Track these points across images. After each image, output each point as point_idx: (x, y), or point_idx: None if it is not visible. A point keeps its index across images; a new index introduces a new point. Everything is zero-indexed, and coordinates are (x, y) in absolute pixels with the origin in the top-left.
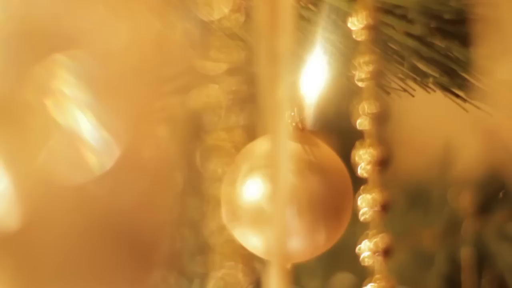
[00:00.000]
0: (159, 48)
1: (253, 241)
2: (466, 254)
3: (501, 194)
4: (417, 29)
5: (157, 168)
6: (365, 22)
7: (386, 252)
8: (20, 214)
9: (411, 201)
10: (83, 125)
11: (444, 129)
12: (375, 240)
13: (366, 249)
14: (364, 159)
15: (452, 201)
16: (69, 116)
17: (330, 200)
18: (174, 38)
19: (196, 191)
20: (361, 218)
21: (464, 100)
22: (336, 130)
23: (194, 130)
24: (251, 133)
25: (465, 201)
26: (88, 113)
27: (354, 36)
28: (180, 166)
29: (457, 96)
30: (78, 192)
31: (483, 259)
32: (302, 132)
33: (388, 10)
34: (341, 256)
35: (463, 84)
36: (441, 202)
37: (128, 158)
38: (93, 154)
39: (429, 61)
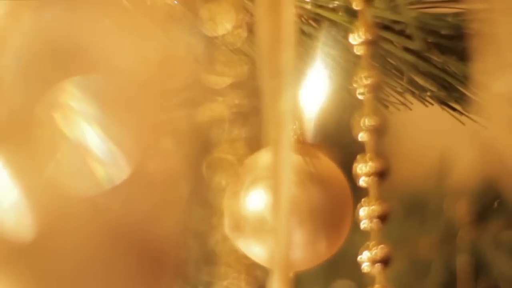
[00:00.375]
0: (166, 63)
1: (256, 250)
2: (462, 262)
3: (496, 204)
4: (415, 44)
5: (165, 180)
6: (364, 38)
7: (385, 262)
8: (34, 225)
9: (408, 210)
10: (94, 140)
11: (440, 141)
12: (375, 251)
13: (366, 259)
14: (364, 172)
15: (448, 211)
16: (80, 131)
17: (330, 211)
18: (180, 53)
19: (202, 202)
20: (362, 227)
21: (461, 113)
22: (337, 142)
23: (200, 143)
24: (254, 145)
25: (461, 211)
26: (99, 128)
27: (354, 51)
28: (186, 178)
29: (454, 109)
30: (90, 204)
31: (479, 268)
32: (303, 145)
33: (387, 26)
34: (341, 264)
35: (460, 98)
36: (438, 211)
37: (138, 171)
38: (104, 168)
39: (426, 75)
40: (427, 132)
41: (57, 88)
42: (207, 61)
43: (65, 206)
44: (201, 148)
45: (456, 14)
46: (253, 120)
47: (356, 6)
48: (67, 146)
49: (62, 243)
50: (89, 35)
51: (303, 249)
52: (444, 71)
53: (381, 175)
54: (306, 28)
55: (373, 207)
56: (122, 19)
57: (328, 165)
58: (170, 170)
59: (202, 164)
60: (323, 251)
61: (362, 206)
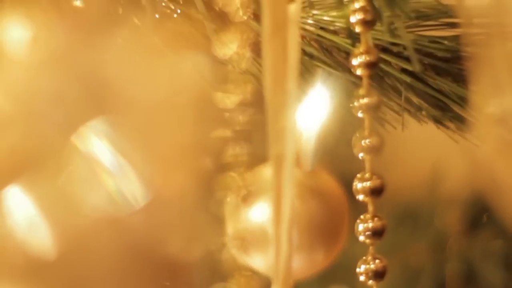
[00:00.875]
0: (183, 88)
1: (258, 260)
2: (452, 271)
3: (484, 217)
4: (412, 66)
5: (179, 200)
6: (365, 59)
7: (381, 275)
8: (59, 244)
9: (401, 220)
10: (116, 166)
11: (434, 155)
12: (372, 264)
13: (363, 272)
14: (362, 189)
15: (439, 221)
16: (103, 156)
17: (327, 222)
18: (194, 78)
19: (213, 218)
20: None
21: (454, 131)
22: (337, 157)
23: (210, 161)
24: (258, 160)
25: (452, 221)
26: (121, 153)
27: (354, 72)
28: (199, 197)
29: (447, 127)
30: (114, 225)
31: (468, 276)
32: (303, 160)
33: (385, 48)
34: (337, 270)
35: (454, 117)
36: (429, 221)
37: (156, 194)
38: (125, 190)
39: (422, 95)
40: (422, 147)
41: (87, 118)
42: (216, 81)
43: (87, 226)
44: (211, 165)
45: (452, 38)
46: (259, 136)
47: (357, 29)
48: (92, 171)
49: (88, 260)
50: (119, 69)
51: (302, 259)
52: (439, 91)
53: (378, 192)
54: (309, 49)
55: (370, 223)
56: (151, 53)
57: (326, 180)
58: (184, 190)
59: (212, 182)
60: (320, 260)
61: (360, 222)
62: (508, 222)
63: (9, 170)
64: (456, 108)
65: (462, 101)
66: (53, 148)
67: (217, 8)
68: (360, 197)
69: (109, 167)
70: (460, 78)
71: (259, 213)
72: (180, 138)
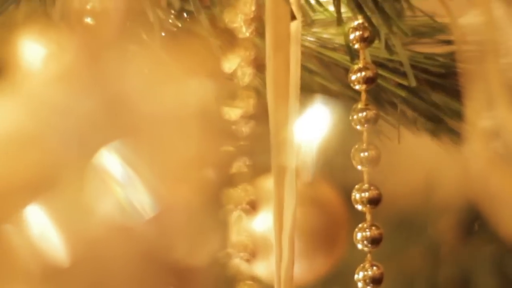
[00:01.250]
0: (198, 104)
1: (261, 268)
2: (445, 276)
3: (476, 226)
4: (408, 81)
5: (190, 210)
6: (363, 75)
7: (379, 281)
8: (72, 252)
9: (396, 226)
10: (131, 178)
11: (428, 165)
12: (369, 271)
13: (361, 279)
14: (361, 200)
15: (433, 228)
16: (119, 170)
17: (326, 230)
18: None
19: (221, 228)
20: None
21: (448, 143)
22: (336, 168)
23: (219, 173)
24: (262, 172)
25: (445, 228)
26: (137, 166)
27: (353, 86)
28: (208, 207)
29: (441, 139)
30: (127, 233)
31: (462, 282)
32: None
33: (382, 64)
34: (336, 276)
35: (448, 130)
36: (423, 228)
37: (167, 206)
38: (139, 202)
39: (417, 108)
40: (416, 158)
41: (97, 132)
42: (221, 95)
43: (101, 235)
44: (218, 177)
45: (446, 54)
46: (260, 149)
47: (355, 46)
48: (105, 184)
49: (101, 267)
50: (123, 81)
51: (302, 265)
52: (434, 105)
53: (375, 202)
54: (309, 65)
55: (368, 232)
56: (159, 68)
57: (326, 191)
58: (192, 201)
59: (219, 193)
60: (320, 266)
61: (358, 231)
62: (499, 229)
63: (27, 185)
64: (450, 121)
65: (456, 114)
66: (68, 164)
67: (222, 25)
68: (359, 207)
69: (121, 179)
70: (454, 93)
71: (262, 223)
72: (188, 151)
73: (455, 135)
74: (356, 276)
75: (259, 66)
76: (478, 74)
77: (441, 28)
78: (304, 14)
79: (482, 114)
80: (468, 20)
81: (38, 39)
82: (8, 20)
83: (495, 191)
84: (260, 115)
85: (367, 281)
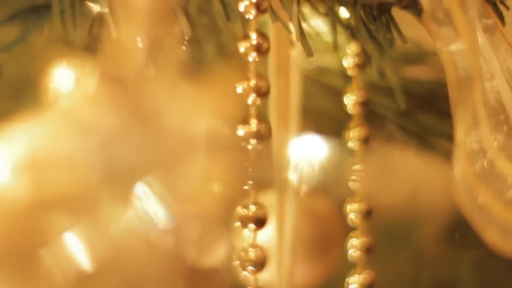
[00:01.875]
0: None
1: (264, 277)
2: (429, 280)
3: (457, 237)
4: (398, 103)
5: (207, 220)
6: (357, 99)
7: (370, 286)
8: (94, 259)
9: (385, 236)
10: (152, 193)
11: (416, 179)
12: (360, 276)
13: (353, 283)
14: (353, 211)
15: (419, 235)
16: (143, 185)
17: (322, 239)
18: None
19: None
20: (349, 257)
21: (434, 159)
22: (332, 182)
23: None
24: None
25: (430, 236)
26: (156, 182)
27: (347, 110)
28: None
29: (428, 155)
30: (146, 243)
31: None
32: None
33: (375, 88)
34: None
35: (434, 147)
36: (409, 236)
37: (187, 216)
38: (159, 213)
39: (405, 128)
40: (404, 171)
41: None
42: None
43: (127, 244)
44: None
45: (434, 80)
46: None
47: (350, 72)
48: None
49: (121, 274)
50: (153, 108)
51: (301, 272)
52: (421, 125)
53: (367, 214)
54: (307, 89)
55: (360, 240)
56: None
57: (321, 203)
58: (211, 212)
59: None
60: (317, 272)
61: (350, 238)
62: (484, 239)
63: (62, 200)
64: (437, 140)
65: (443, 134)
66: (97, 182)
67: (229, 52)
68: (351, 217)
69: (143, 195)
70: (441, 114)
71: (264, 235)
72: (201, 169)
73: (442, 153)
74: (347, 279)
75: (263, 89)
76: (464, 97)
77: (429, 55)
78: (304, 43)
79: (467, 134)
80: (454, 48)
81: (65, 64)
82: (32, 46)
83: (479, 205)
84: (264, 135)
85: (360, 285)
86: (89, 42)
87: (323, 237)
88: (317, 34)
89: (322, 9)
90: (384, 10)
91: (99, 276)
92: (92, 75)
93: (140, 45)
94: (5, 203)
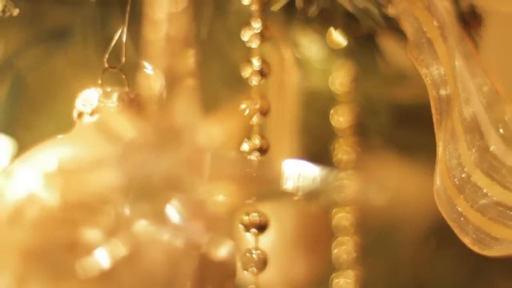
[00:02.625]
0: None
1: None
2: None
3: (433, 241)
4: (386, 124)
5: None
6: (348, 122)
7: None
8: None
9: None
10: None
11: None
12: (347, 275)
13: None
14: (341, 216)
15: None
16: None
17: (315, 239)
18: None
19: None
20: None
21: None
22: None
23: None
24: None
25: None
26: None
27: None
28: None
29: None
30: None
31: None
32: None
33: (367, 110)
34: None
35: (417, 160)
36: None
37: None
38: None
39: (391, 143)
40: (390, 181)
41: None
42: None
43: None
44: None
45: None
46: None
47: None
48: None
49: (139, 271)
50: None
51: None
52: (405, 140)
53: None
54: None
55: (347, 242)
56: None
57: (313, 209)
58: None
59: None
60: (310, 271)
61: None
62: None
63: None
64: (420, 153)
65: (424, 148)
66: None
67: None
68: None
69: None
70: (423, 131)
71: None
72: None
73: (423, 164)
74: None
75: (265, 109)
76: (444, 116)
77: (412, 78)
78: (299, 68)
79: (447, 150)
80: (435, 72)
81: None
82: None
83: (458, 213)
84: (265, 149)
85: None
86: (110, 64)
87: (315, 238)
88: (311, 60)
89: (316, 37)
90: (372, 38)
91: (119, 274)
92: (113, 95)
93: (157, 71)
94: (37, 209)
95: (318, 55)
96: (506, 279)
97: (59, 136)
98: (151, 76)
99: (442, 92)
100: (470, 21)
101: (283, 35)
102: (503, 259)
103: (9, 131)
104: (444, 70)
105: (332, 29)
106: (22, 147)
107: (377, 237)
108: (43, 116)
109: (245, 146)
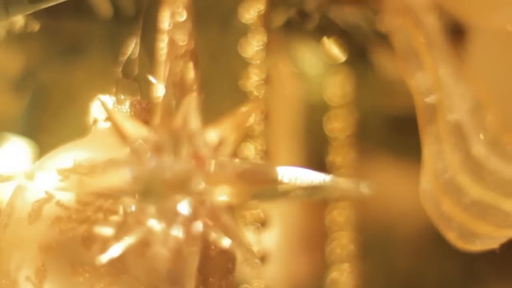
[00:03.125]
0: None
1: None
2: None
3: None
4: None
5: None
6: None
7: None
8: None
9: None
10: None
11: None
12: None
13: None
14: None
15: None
16: None
17: (313, 239)
18: None
19: None
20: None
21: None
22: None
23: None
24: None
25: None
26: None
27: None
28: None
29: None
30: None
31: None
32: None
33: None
34: None
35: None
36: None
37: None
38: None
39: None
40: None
41: None
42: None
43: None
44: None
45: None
46: None
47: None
48: None
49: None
50: None
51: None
52: (396, 144)
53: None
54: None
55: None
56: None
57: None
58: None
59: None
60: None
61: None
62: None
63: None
64: (408, 158)
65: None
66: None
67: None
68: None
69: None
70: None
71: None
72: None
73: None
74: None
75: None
76: (430, 122)
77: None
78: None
79: (432, 153)
80: (421, 81)
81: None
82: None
83: (442, 212)
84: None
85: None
86: (124, 74)
87: (314, 235)
88: (308, 72)
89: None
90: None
91: (129, 267)
92: (125, 102)
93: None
94: (55, 207)
95: (315, 68)
96: (497, 279)
97: (76, 140)
98: (159, 86)
99: (428, 100)
100: (454, 34)
101: (282, 49)
102: (495, 259)
103: (30, 135)
104: (430, 80)
105: (329, 43)
106: (42, 150)
107: (373, 234)
108: (62, 122)
109: (247, 149)
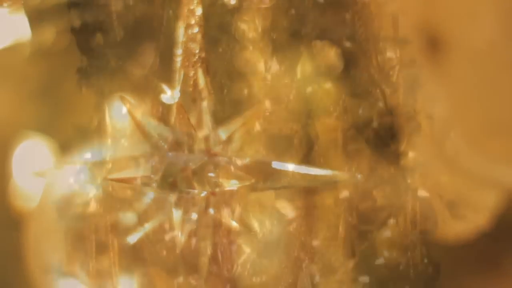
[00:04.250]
0: None
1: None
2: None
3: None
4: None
5: None
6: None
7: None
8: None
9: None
10: None
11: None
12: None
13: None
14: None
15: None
16: None
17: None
18: None
19: None
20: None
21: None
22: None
23: None
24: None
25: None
26: None
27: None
28: None
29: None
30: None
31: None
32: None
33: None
34: None
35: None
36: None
37: None
38: None
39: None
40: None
41: None
42: None
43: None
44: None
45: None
46: None
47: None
48: None
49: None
50: None
51: None
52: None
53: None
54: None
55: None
56: None
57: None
58: None
59: None
60: None
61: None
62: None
63: None
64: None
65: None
66: None
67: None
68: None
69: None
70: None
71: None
72: None
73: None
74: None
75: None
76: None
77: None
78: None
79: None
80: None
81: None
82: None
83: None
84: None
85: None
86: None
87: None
88: (305, 79)
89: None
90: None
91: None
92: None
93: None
94: (81, 198)
95: (311, 75)
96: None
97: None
98: (175, 89)
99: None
100: (433, 47)
101: (280, 57)
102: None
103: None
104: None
105: (327, 51)
106: (68, 147)
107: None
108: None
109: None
